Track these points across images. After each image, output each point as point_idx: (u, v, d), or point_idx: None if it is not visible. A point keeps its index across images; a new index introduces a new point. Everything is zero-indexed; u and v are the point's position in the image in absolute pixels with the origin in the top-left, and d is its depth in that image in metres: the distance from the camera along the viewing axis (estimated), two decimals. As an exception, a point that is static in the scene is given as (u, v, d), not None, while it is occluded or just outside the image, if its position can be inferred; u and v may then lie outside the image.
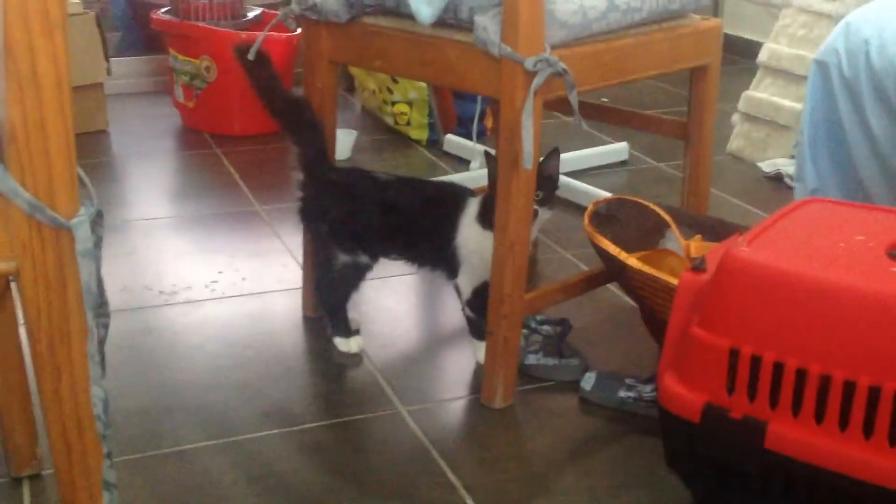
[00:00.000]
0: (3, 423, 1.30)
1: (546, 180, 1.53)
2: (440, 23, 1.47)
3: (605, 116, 2.02)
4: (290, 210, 1.73)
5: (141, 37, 3.46)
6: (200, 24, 2.89)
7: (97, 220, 0.90)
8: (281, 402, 1.55)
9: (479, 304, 1.61)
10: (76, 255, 0.88)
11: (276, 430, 1.47)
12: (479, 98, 2.66)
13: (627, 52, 1.53)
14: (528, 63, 1.36)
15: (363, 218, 1.63)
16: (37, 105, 0.85)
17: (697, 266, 1.23)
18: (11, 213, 0.87)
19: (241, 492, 1.33)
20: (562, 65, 1.38)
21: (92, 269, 0.89)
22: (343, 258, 1.65)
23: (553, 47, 1.40)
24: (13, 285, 1.10)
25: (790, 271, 1.12)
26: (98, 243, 0.90)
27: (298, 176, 1.68)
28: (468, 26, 1.42)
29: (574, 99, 1.41)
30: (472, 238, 1.59)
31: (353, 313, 1.73)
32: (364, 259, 1.66)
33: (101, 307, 0.92)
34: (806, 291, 1.10)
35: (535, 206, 1.52)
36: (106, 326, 0.94)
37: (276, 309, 1.85)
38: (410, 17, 1.47)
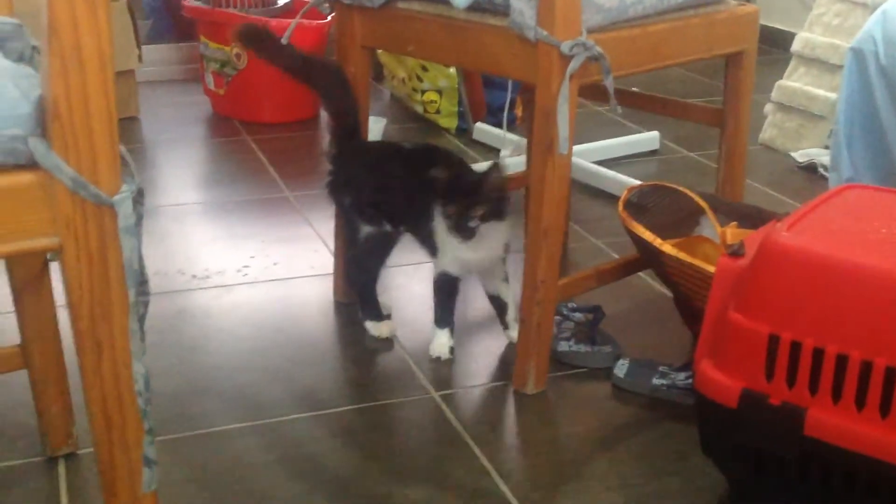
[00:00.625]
0: (39, 401, 1.31)
1: (489, 194, 1.49)
2: (475, 7, 1.46)
3: (640, 103, 2.00)
4: (320, 197, 1.73)
5: (172, 24, 3.48)
6: (231, 11, 2.90)
7: (139, 198, 0.90)
8: (312, 385, 1.55)
9: (438, 293, 1.61)
10: (118, 231, 0.89)
11: (308, 414, 1.47)
12: (510, 86, 2.65)
13: (663, 36, 1.52)
14: (565, 47, 1.35)
15: (381, 185, 1.63)
16: (80, 81, 0.85)
17: (735, 251, 1.21)
18: (55, 189, 0.87)
19: (273, 473, 1.33)
20: (598, 49, 1.37)
21: (134, 245, 0.89)
22: (367, 229, 1.65)
23: (589, 31, 1.39)
24: (52, 264, 1.11)
25: (831, 256, 1.10)
26: (139, 220, 0.90)
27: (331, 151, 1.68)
28: (503, 10, 1.41)
29: (610, 84, 1.40)
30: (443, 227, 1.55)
31: (383, 298, 1.73)
32: (387, 229, 1.65)
33: (142, 284, 0.92)
34: (847, 277, 1.09)
35: (475, 223, 1.48)
36: (146, 304, 0.94)
37: (308, 294, 1.86)
38: (444, 0, 1.47)
